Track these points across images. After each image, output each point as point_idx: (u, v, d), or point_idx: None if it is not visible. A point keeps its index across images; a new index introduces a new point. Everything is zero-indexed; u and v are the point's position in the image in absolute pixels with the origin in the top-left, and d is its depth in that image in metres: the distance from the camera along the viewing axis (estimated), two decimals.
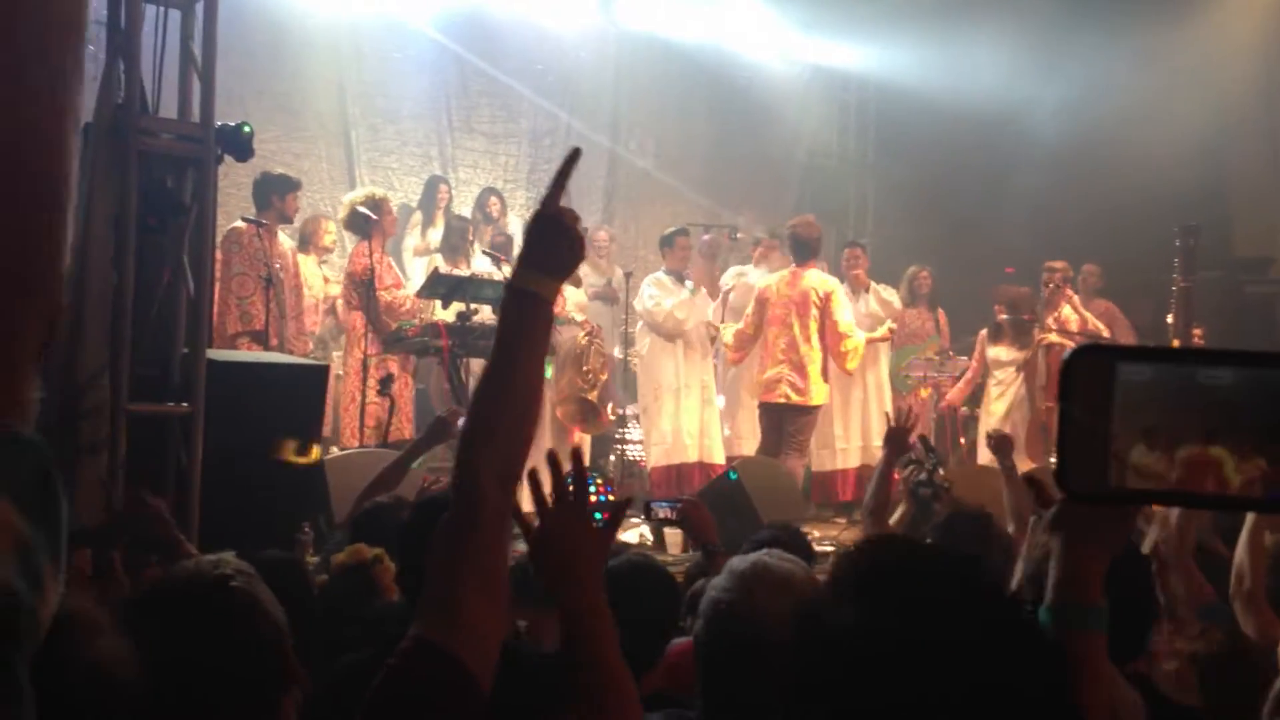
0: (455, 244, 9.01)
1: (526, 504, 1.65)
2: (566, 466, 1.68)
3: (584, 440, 8.28)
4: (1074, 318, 8.87)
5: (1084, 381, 0.86)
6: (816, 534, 7.78)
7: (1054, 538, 1.43)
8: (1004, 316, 8.90)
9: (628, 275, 9.28)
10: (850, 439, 8.81)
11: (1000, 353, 8.92)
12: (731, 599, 1.94)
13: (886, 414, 4.91)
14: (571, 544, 1.62)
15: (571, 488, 1.65)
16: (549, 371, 8.00)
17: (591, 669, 1.59)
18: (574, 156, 1.75)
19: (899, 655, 1.09)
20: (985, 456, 8.56)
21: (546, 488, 1.66)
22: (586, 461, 1.77)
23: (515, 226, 10.25)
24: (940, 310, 9.96)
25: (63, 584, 0.72)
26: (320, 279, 8.59)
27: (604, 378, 8.31)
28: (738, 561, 2.05)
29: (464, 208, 10.23)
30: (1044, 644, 1.15)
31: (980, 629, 1.11)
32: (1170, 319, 8.19)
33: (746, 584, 1.96)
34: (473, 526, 1.53)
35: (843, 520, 8.22)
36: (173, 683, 1.65)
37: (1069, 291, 8.96)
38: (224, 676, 1.72)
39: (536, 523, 1.64)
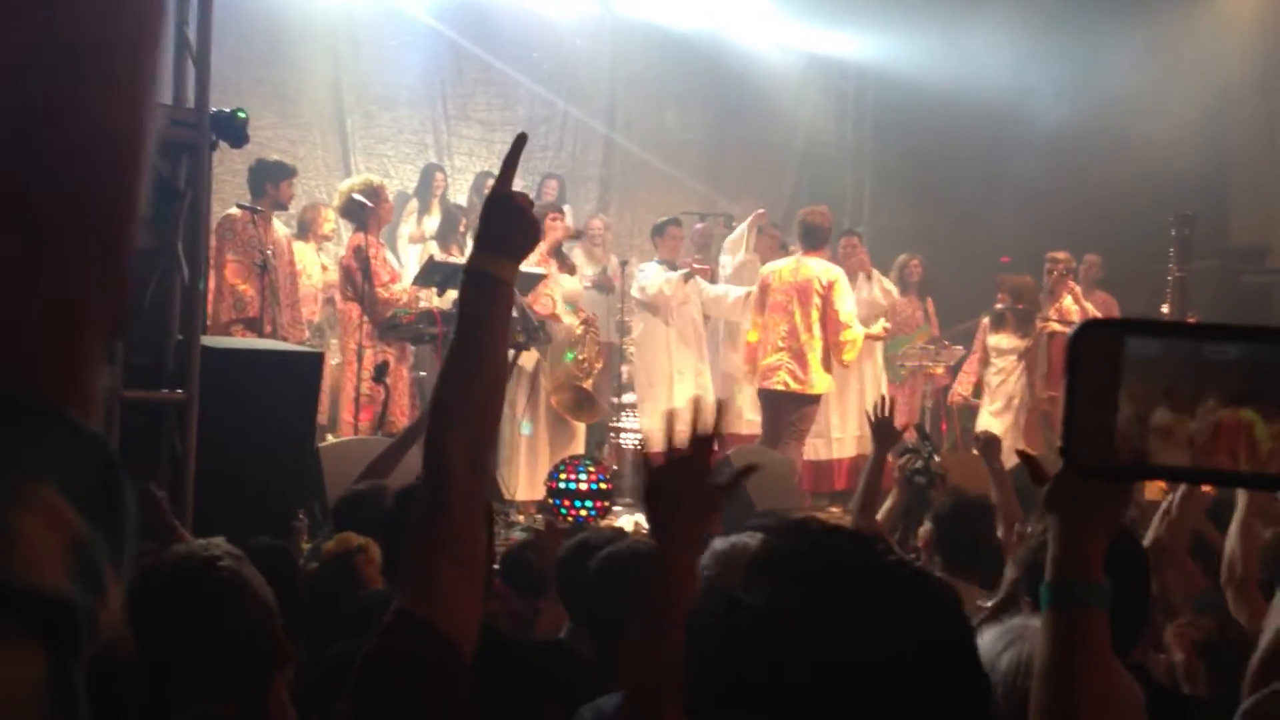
0: (449, 232, 9.02)
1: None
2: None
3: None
4: (1074, 309, 8.86)
5: (1091, 356, 0.86)
6: None
7: (1051, 514, 1.41)
8: (1004, 305, 8.90)
9: (623, 264, 9.27)
10: (846, 428, 8.83)
11: (1001, 341, 8.92)
12: (709, 575, 1.98)
13: (867, 413, 4.88)
14: (687, 495, 1.66)
15: (696, 444, 1.69)
16: (544, 360, 7.98)
17: (663, 632, 1.59)
18: (520, 141, 1.80)
19: (806, 630, 1.12)
20: None
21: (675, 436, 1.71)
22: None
23: None
24: (929, 299, 9.96)
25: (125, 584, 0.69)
26: (319, 267, 8.58)
27: (599, 366, 8.31)
28: (719, 542, 2.10)
29: (459, 195, 10.21)
30: (947, 605, 1.16)
31: (883, 596, 1.13)
32: (1166, 309, 8.20)
33: (723, 561, 2.01)
34: (443, 508, 1.54)
35: (837, 509, 8.22)
36: (163, 663, 1.67)
37: (1071, 282, 8.95)
38: (213, 656, 1.74)
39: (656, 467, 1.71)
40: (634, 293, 8.75)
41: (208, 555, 1.82)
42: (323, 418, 7.33)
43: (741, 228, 9.31)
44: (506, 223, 1.72)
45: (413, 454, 5.18)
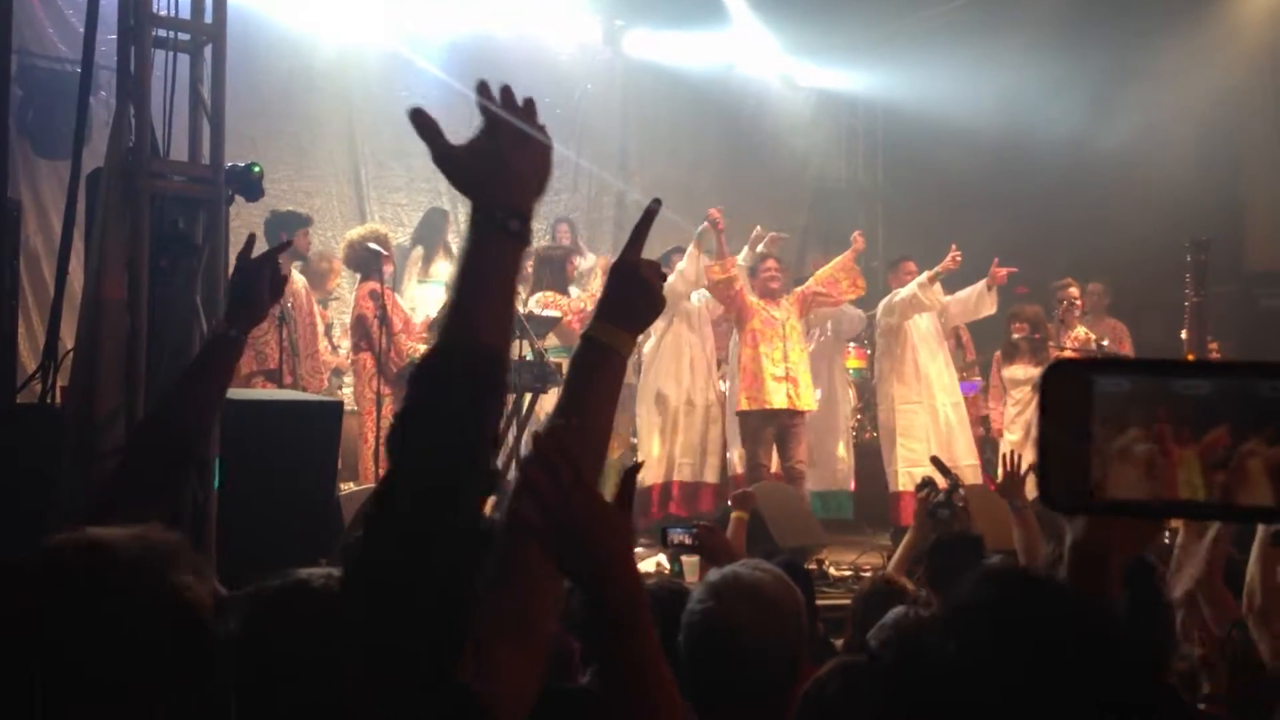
0: None
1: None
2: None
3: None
4: (1084, 335, 8.91)
5: (1062, 396, 0.87)
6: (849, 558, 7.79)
7: (1071, 525, 1.37)
8: (1021, 336, 8.89)
9: None
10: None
11: (1016, 372, 8.91)
12: (704, 608, 1.98)
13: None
14: (595, 531, 1.40)
15: (563, 471, 1.43)
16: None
17: (640, 672, 1.40)
18: (654, 208, 1.79)
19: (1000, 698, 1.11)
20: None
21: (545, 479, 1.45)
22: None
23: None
24: (962, 327, 9.99)
25: None
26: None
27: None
28: (712, 574, 2.10)
29: None
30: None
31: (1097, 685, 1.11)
32: (1184, 334, 8.17)
33: (716, 592, 2.01)
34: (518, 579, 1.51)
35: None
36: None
37: (1079, 310, 9.02)
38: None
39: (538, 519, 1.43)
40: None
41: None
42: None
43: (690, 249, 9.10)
44: (631, 295, 1.71)
45: None
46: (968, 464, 8.64)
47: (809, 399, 8.47)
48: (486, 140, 1.58)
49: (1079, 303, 9.04)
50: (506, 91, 1.67)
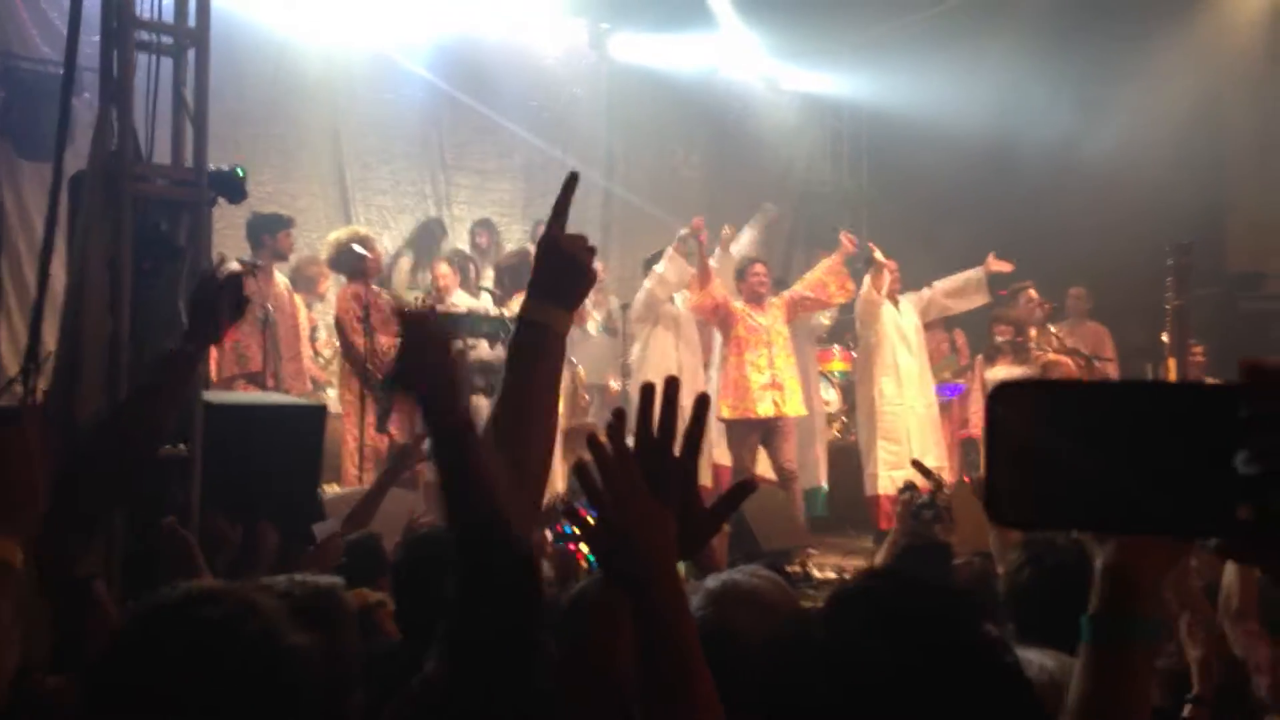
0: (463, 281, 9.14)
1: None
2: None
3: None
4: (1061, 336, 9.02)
5: (1005, 416, 0.91)
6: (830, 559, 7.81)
7: (1102, 548, 1.30)
8: (1005, 339, 8.94)
9: (624, 307, 9.31)
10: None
11: (999, 373, 8.95)
12: (702, 615, 1.98)
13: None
14: (645, 531, 1.37)
15: (622, 465, 1.40)
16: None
17: (683, 675, 1.37)
18: (572, 181, 1.73)
19: (871, 686, 1.12)
20: None
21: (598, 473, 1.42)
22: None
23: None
24: (958, 330, 10.02)
25: None
26: (307, 319, 8.56)
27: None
28: (711, 580, 2.10)
29: (460, 243, 10.31)
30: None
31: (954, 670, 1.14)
32: (1165, 337, 8.21)
33: (715, 599, 2.02)
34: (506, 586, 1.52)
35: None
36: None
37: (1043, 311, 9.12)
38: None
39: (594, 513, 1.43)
40: (635, 306, 8.73)
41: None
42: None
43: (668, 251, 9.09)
44: (558, 269, 1.68)
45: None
46: (935, 467, 8.68)
47: (796, 404, 8.45)
48: (399, 359, 1.65)
49: (1044, 304, 9.09)
50: None
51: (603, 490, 1.39)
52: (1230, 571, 2.95)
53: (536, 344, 1.63)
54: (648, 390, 1.44)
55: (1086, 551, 2.31)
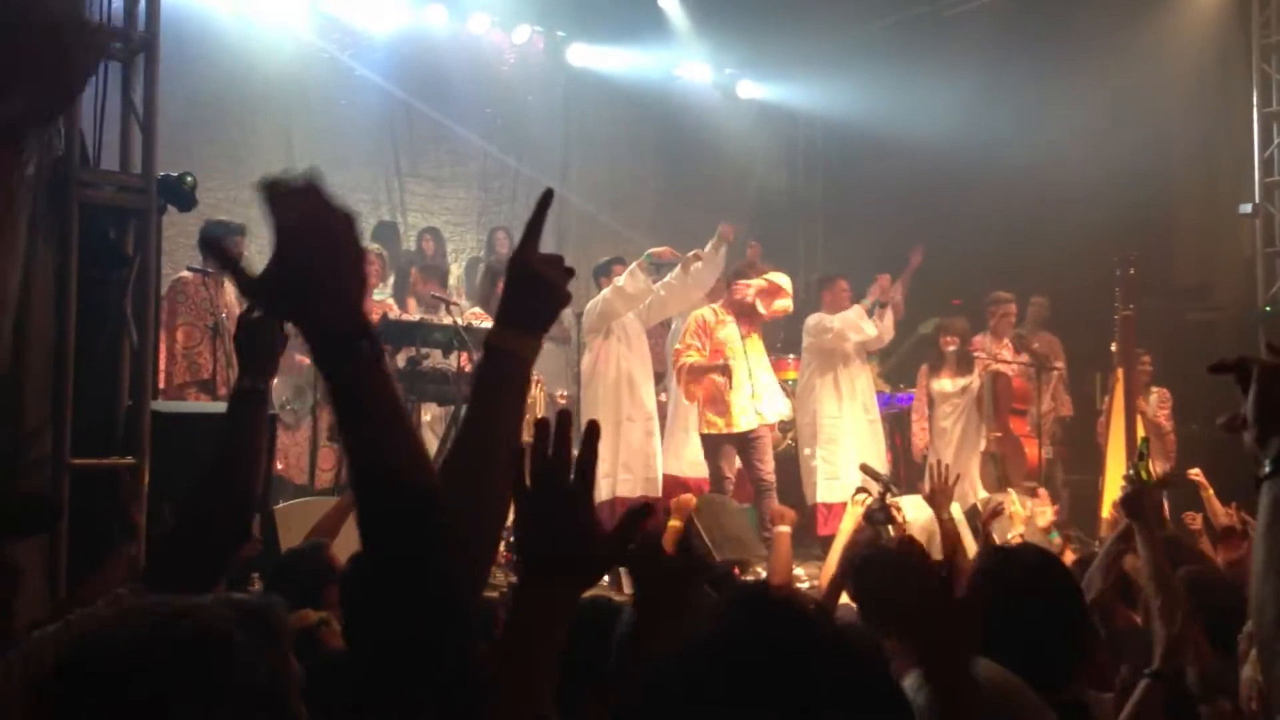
0: (402, 288, 9.12)
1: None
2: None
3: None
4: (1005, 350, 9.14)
5: None
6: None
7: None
8: (953, 349, 9.03)
9: (577, 316, 9.30)
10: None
11: (945, 384, 9.05)
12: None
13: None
14: (564, 523, 1.37)
15: (549, 455, 1.39)
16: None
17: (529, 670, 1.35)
18: (546, 199, 1.66)
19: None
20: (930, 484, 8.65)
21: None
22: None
23: (463, 267, 10.37)
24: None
25: None
26: None
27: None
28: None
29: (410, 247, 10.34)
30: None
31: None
32: (1114, 348, 8.33)
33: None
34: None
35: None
36: None
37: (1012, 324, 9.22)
38: None
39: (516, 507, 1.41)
40: (587, 313, 8.68)
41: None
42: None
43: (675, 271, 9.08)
44: (529, 291, 1.59)
45: None
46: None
47: (772, 410, 8.46)
48: (280, 253, 1.28)
49: (1012, 318, 9.25)
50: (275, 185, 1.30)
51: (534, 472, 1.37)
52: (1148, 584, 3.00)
53: (502, 374, 1.54)
54: (543, 427, 1.39)
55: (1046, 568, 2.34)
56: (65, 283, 4.52)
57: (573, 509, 1.36)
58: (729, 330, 8.46)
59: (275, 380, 8.37)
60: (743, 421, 8.25)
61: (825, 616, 1.26)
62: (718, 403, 8.29)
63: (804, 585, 6.70)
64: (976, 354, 8.97)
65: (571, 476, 1.36)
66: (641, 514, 1.41)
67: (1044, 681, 2.01)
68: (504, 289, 1.61)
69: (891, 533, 5.22)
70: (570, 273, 1.64)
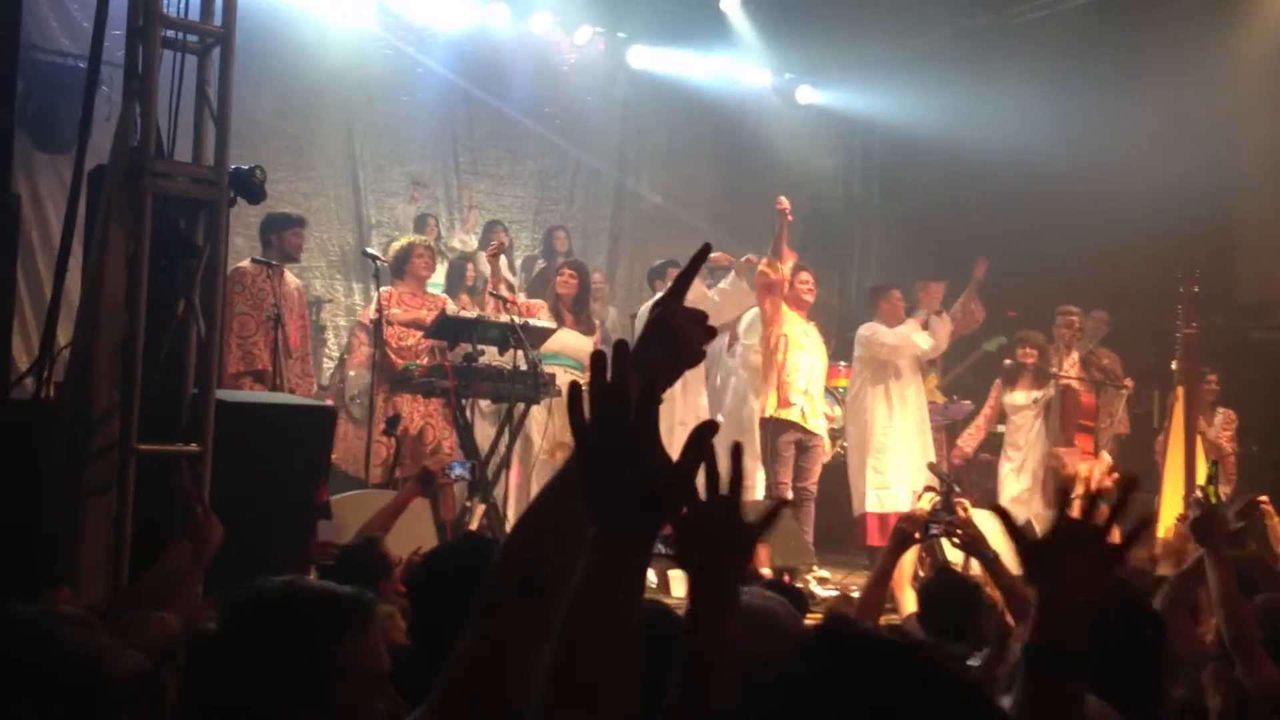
0: (455, 281, 9.15)
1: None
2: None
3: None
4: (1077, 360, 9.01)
5: None
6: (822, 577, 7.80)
7: (1031, 582, 1.48)
8: (1032, 362, 8.92)
9: (632, 317, 9.30)
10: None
11: (1019, 396, 8.97)
12: None
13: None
14: (722, 536, 1.53)
15: (728, 483, 1.54)
16: (551, 415, 7.87)
17: (710, 673, 1.52)
18: (703, 253, 1.57)
19: None
20: (1005, 497, 8.56)
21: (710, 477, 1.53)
22: None
23: (519, 265, 10.41)
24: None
25: None
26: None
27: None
28: None
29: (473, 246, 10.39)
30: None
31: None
32: (1175, 365, 8.21)
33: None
34: None
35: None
36: None
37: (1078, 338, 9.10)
38: None
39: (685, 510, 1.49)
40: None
41: None
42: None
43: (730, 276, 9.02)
44: (659, 342, 1.49)
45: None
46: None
47: (816, 419, 8.37)
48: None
49: (1078, 331, 9.10)
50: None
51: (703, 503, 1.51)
52: (1219, 605, 2.96)
53: (618, 568, 1.28)
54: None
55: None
56: (137, 272, 4.58)
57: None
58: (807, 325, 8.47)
59: (351, 373, 8.54)
60: (813, 423, 8.21)
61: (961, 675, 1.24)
62: (780, 386, 8.17)
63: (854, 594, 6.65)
64: (1053, 370, 8.87)
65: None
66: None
67: (1125, 708, 2.00)
68: (641, 330, 1.52)
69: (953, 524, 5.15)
70: (712, 333, 1.53)
